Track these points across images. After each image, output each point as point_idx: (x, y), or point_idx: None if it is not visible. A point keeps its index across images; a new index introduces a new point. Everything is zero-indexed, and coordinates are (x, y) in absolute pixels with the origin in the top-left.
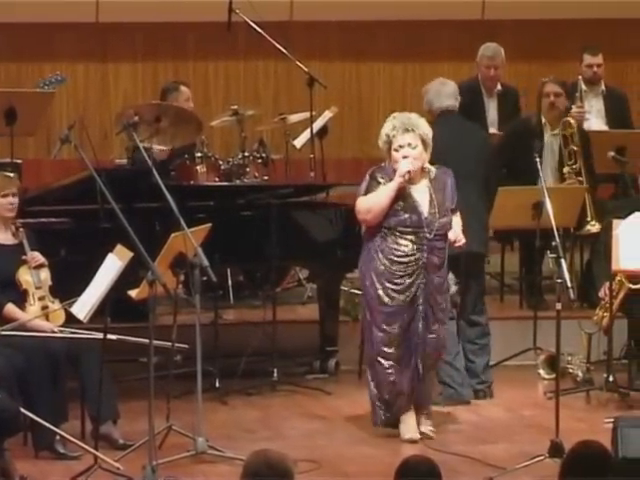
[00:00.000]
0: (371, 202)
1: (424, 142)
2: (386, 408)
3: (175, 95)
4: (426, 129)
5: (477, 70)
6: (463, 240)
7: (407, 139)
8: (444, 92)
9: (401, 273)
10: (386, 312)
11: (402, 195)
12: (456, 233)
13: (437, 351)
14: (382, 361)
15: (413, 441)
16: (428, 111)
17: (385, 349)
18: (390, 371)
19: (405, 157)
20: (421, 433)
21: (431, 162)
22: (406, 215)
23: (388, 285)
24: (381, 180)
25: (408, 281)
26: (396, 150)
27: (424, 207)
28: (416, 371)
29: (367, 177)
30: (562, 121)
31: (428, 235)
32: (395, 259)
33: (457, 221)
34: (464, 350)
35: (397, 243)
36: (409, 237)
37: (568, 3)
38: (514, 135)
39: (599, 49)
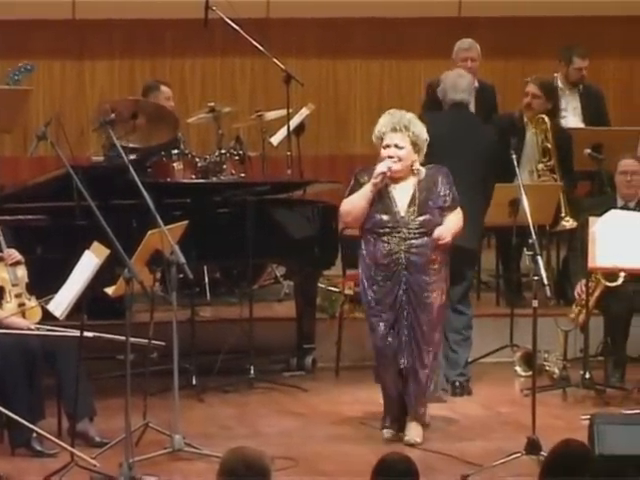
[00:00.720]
0: (350, 205)
1: (414, 143)
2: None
3: (155, 94)
4: (418, 130)
5: (454, 66)
6: (447, 238)
7: (395, 139)
8: (460, 85)
9: (382, 275)
10: (374, 315)
11: (380, 196)
12: (440, 230)
13: (423, 355)
14: (378, 364)
15: (387, 440)
16: (442, 100)
17: (377, 353)
18: (384, 373)
19: (390, 157)
20: (405, 441)
21: (431, 152)
22: (380, 216)
23: (374, 288)
24: (362, 182)
25: (389, 283)
26: (384, 148)
27: (402, 206)
28: (405, 372)
29: (352, 179)
30: (536, 118)
31: (403, 235)
32: (376, 261)
33: (451, 218)
34: (448, 340)
35: (376, 245)
36: (386, 238)
37: (544, 1)
38: (499, 130)
39: (587, 51)
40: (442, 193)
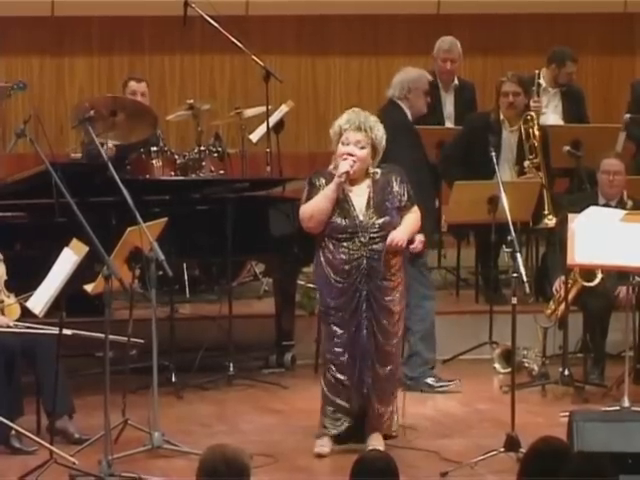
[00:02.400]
0: (312, 208)
1: (374, 146)
2: (333, 419)
3: (125, 90)
4: (380, 134)
5: (434, 64)
6: (399, 242)
7: (358, 137)
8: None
9: (344, 283)
10: (332, 322)
11: (338, 200)
12: (392, 235)
13: (385, 365)
14: (334, 369)
15: (320, 455)
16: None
17: (335, 359)
18: (340, 379)
19: (350, 155)
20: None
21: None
22: (339, 220)
23: (332, 297)
24: (319, 185)
25: (351, 290)
26: (342, 143)
27: (360, 210)
28: (363, 381)
29: (306, 184)
30: (523, 115)
31: (364, 239)
32: (336, 268)
33: (407, 219)
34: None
35: (336, 251)
36: (345, 243)
37: None
38: (472, 129)
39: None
40: (397, 192)
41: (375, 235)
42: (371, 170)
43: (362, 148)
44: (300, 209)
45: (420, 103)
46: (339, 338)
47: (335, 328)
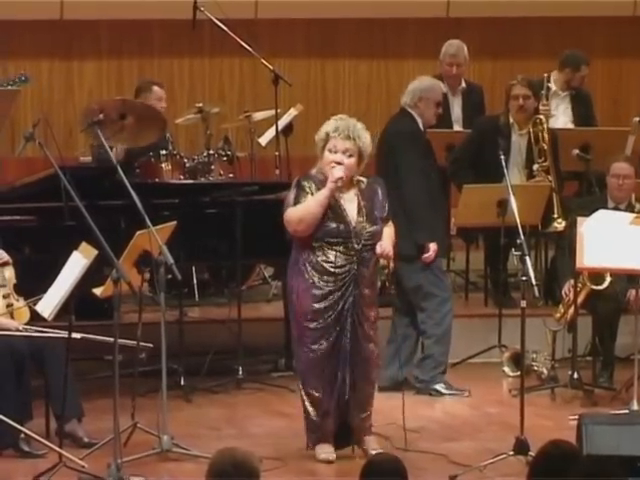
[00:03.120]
0: (302, 212)
1: (360, 154)
2: (316, 428)
3: (147, 95)
4: (367, 142)
5: (440, 67)
6: (390, 252)
7: (346, 145)
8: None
9: (330, 287)
10: (312, 328)
11: (330, 204)
12: (382, 246)
13: (366, 368)
14: (310, 379)
15: (329, 461)
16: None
17: (312, 368)
18: (318, 389)
19: (338, 163)
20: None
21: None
22: (334, 225)
23: (316, 301)
24: (308, 189)
25: (337, 294)
26: (330, 151)
27: (352, 216)
28: (343, 387)
29: (293, 187)
30: (533, 119)
31: (356, 246)
32: (324, 271)
33: (388, 232)
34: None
35: (325, 255)
36: (337, 248)
37: (533, 1)
38: (481, 132)
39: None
40: (382, 204)
41: (366, 242)
42: (357, 178)
43: (350, 156)
44: (287, 212)
45: (430, 113)
46: (318, 347)
47: (313, 338)
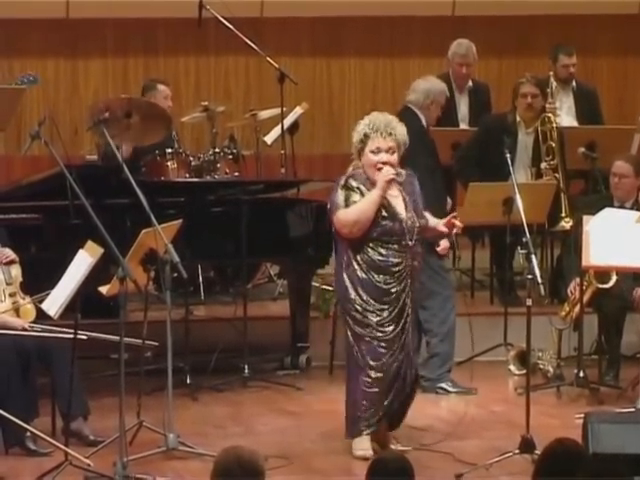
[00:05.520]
0: (357, 213)
1: (399, 147)
2: (366, 421)
3: (153, 93)
4: (404, 132)
5: (449, 66)
6: (447, 248)
7: (389, 144)
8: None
9: (389, 284)
10: (375, 324)
11: (382, 203)
12: (442, 245)
13: (415, 362)
14: (371, 373)
15: (365, 458)
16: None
17: (373, 362)
18: (377, 382)
19: (385, 163)
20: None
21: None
22: (390, 223)
23: (376, 297)
24: (357, 189)
25: (398, 289)
26: (373, 152)
27: (402, 212)
28: (402, 384)
29: (339, 188)
30: (541, 117)
31: (410, 242)
32: (383, 270)
33: (434, 222)
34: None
35: (380, 253)
36: (394, 246)
37: (538, 0)
38: (488, 130)
39: (573, 48)
40: (420, 195)
41: (415, 237)
42: (398, 170)
43: (393, 153)
44: (338, 214)
45: (435, 115)
46: (381, 341)
47: (376, 331)
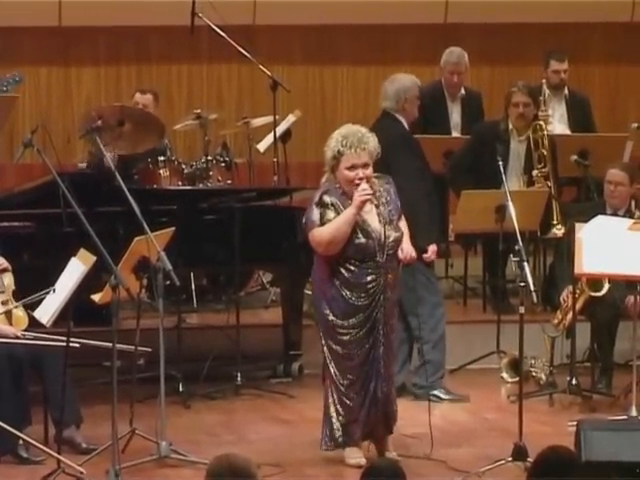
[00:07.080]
0: (331, 232)
1: (372, 158)
2: (342, 433)
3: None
4: (375, 144)
5: (441, 74)
6: (413, 254)
7: (363, 159)
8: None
9: (360, 299)
10: (346, 341)
11: (356, 221)
12: (405, 251)
13: (392, 374)
14: (341, 385)
15: (359, 466)
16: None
17: (348, 375)
18: (350, 396)
19: (361, 179)
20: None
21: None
22: (364, 241)
23: (348, 315)
24: (332, 205)
25: (368, 305)
26: (348, 169)
27: (375, 228)
28: (374, 398)
29: (314, 205)
30: (533, 124)
31: (383, 258)
32: (358, 287)
33: (405, 230)
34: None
35: (354, 272)
36: (368, 263)
37: (531, 7)
38: (480, 138)
39: (565, 55)
40: (396, 203)
41: (390, 251)
42: (373, 189)
43: (368, 167)
44: (313, 232)
45: (415, 110)
46: (351, 358)
47: (346, 349)
